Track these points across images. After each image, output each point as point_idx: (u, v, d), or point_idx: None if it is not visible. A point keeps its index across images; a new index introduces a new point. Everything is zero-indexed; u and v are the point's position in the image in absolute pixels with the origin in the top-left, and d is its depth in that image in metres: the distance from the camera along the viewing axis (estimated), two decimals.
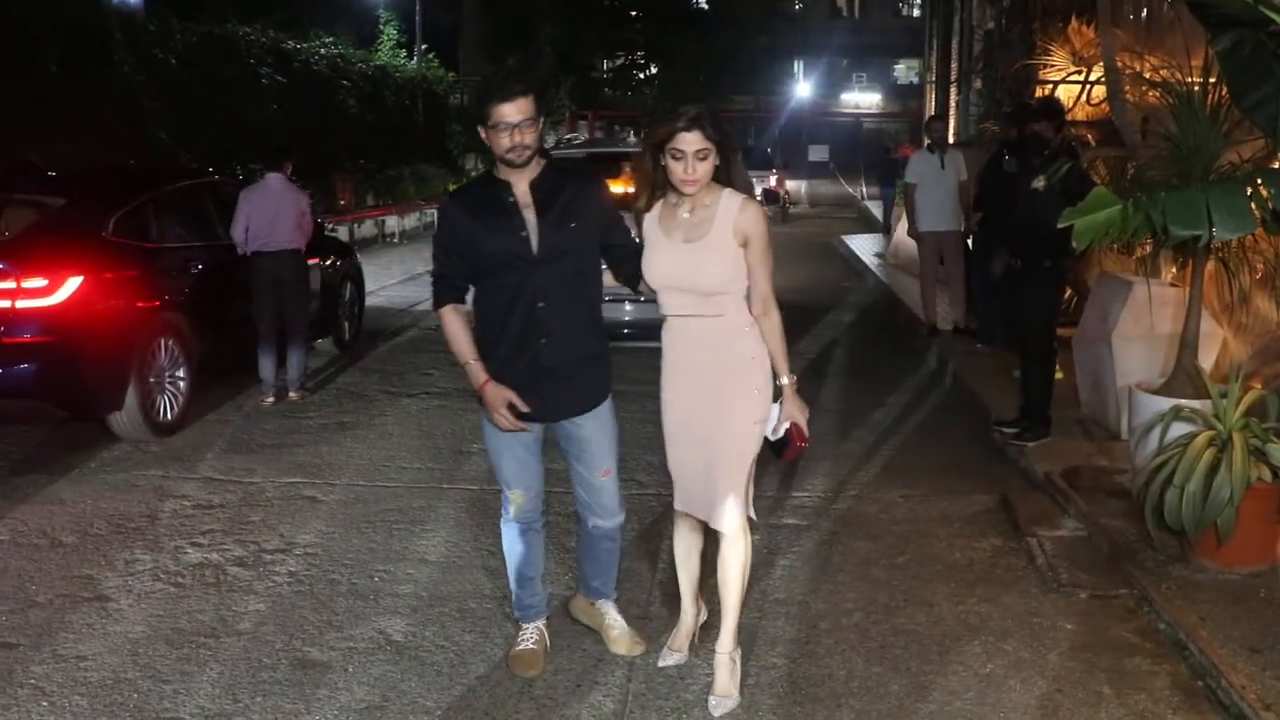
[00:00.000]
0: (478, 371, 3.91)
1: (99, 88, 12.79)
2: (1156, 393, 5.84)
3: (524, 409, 3.91)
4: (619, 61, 36.29)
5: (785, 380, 3.84)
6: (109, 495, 6.22)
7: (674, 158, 3.69)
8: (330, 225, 11.98)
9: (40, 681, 4.14)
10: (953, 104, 20.98)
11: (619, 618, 4.42)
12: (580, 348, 3.98)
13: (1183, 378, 5.79)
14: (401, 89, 19.64)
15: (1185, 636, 4.34)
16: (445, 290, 3.98)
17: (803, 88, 47.42)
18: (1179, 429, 5.13)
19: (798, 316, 12.12)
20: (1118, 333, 6.84)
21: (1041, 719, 3.90)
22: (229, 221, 8.17)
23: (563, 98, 27.59)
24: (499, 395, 3.89)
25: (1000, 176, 8.84)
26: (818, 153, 41.99)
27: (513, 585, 4.31)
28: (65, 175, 8.47)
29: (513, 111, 3.70)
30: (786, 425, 3.86)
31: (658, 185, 3.82)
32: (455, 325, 3.95)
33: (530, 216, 3.84)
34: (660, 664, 4.23)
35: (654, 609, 4.77)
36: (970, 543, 5.56)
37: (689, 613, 4.28)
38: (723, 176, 3.77)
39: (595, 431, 4.07)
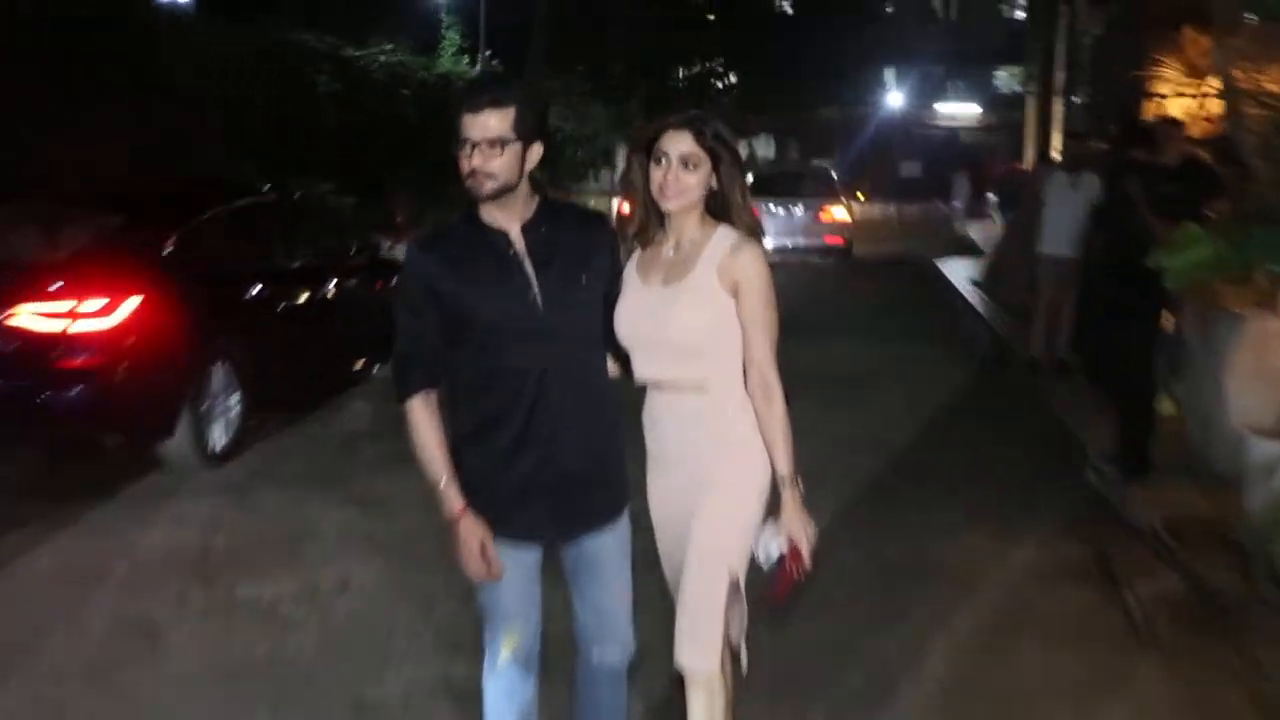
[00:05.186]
0: (454, 497, 3.20)
1: (149, 96, 13.17)
2: (1272, 435, 5.87)
3: (494, 558, 3.23)
4: (695, 69, 36.48)
5: (786, 485, 3.15)
6: (160, 526, 6.44)
7: (656, 161, 3.17)
8: (388, 244, 12.24)
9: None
10: (1056, 117, 20.88)
11: None
12: (600, 440, 3.31)
13: None
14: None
15: None
16: (415, 374, 3.21)
17: (894, 97, 47.39)
18: None
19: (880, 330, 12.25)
20: (1229, 370, 6.84)
21: None
22: (288, 242, 8.55)
23: (634, 108, 27.80)
24: (475, 533, 3.20)
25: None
26: (910, 168, 42.03)
27: None
28: (123, 191, 8.78)
29: (473, 126, 3.05)
30: (781, 544, 3.16)
31: (651, 209, 3.26)
32: (428, 426, 3.20)
33: (529, 270, 3.18)
34: None
35: None
36: (1061, 594, 5.62)
37: None
38: (718, 207, 3.23)
39: (613, 546, 3.38)
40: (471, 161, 3.07)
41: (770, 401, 3.16)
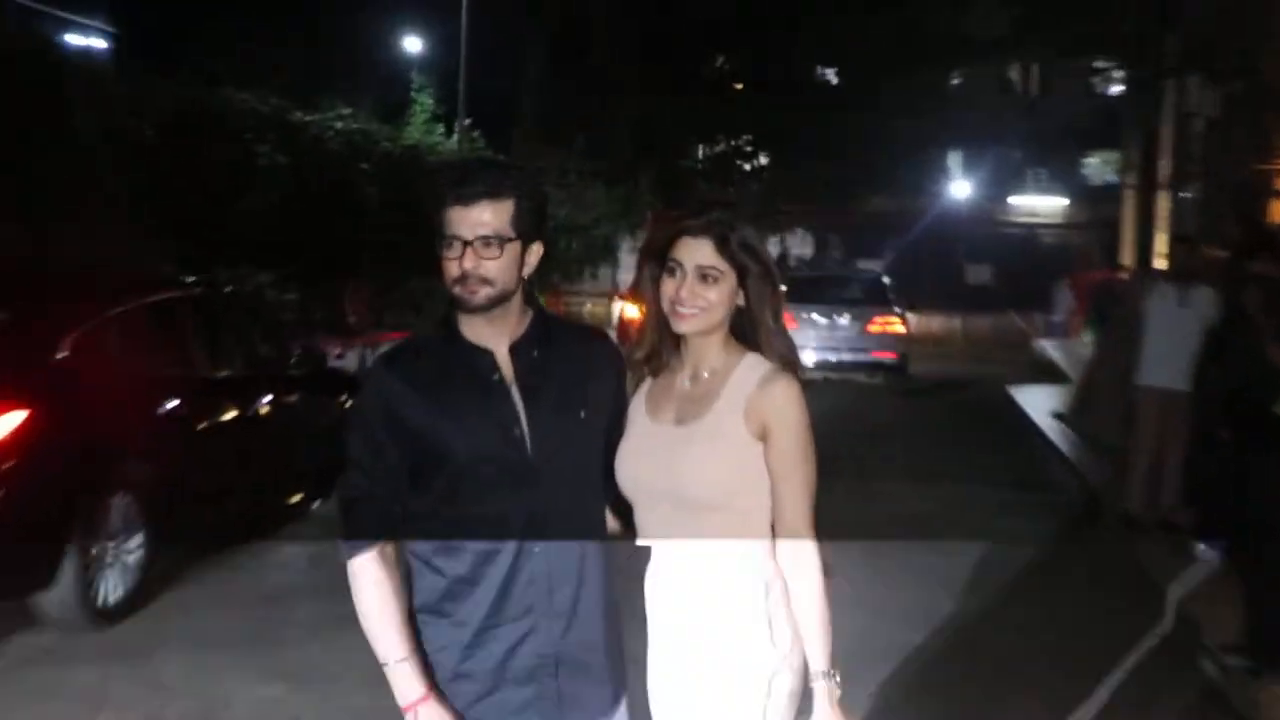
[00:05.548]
0: (411, 679, 3.11)
1: (47, 161, 13.21)
2: None
3: None
4: (718, 147, 36.97)
5: (819, 679, 3.09)
6: (28, 701, 6.33)
7: (669, 271, 3.17)
8: (337, 352, 12.23)
9: None
10: (1161, 215, 21.09)
11: None
12: (595, 613, 3.24)
13: None
14: (437, 175, 20.23)
15: None
16: (368, 520, 3.15)
17: (959, 187, 47.94)
18: None
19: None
20: None
21: None
22: (214, 346, 8.62)
23: (643, 192, 28.15)
24: None
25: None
26: (977, 273, 42.47)
27: None
28: (6, 279, 8.76)
29: (464, 221, 3.04)
30: None
31: (664, 329, 3.25)
32: (382, 587, 3.14)
33: (517, 398, 3.17)
34: None
35: None
36: None
37: None
38: (745, 329, 3.24)
39: None
40: (463, 264, 3.06)
41: (803, 573, 3.12)
